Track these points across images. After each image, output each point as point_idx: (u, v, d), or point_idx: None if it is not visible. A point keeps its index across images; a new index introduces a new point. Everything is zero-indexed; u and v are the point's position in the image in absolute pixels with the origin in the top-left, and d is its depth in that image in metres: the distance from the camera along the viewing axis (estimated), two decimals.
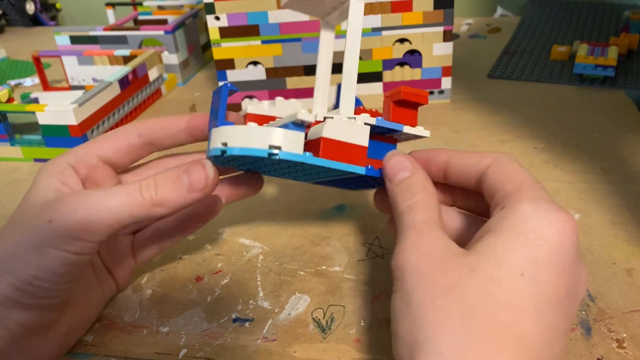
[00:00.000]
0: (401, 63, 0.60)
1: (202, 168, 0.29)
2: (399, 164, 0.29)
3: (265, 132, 0.27)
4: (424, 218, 0.25)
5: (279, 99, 0.35)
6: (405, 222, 0.26)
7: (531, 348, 0.19)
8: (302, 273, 0.38)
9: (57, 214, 0.26)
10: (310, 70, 0.60)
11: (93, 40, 0.74)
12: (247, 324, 0.34)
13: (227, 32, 0.58)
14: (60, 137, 0.54)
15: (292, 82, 0.61)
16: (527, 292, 0.19)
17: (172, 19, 0.81)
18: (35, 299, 0.27)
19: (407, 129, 0.32)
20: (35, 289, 0.27)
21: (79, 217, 0.26)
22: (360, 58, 0.59)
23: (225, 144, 0.28)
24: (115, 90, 0.60)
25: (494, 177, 0.24)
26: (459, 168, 0.27)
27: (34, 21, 1.13)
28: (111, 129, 0.59)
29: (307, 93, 0.61)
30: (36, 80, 0.79)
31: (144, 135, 0.33)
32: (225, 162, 0.31)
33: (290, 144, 0.27)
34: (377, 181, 0.33)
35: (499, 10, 0.98)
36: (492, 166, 0.25)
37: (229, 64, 0.60)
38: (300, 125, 0.29)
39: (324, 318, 0.33)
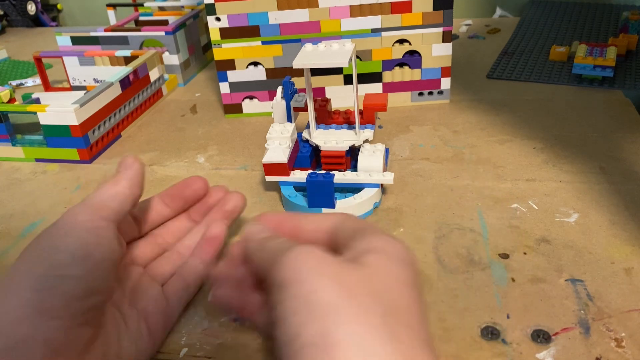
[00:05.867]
0: (401, 64, 0.60)
1: None
2: (256, 228, 0.30)
3: None
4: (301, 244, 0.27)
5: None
6: (283, 248, 0.26)
7: (430, 339, 0.23)
8: None
9: None
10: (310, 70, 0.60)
11: (94, 40, 0.74)
12: (247, 323, 0.34)
13: (227, 33, 0.59)
14: (62, 137, 0.55)
15: None
16: (414, 296, 0.24)
17: (173, 19, 0.81)
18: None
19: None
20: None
21: None
22: (360, 59, 0.59)
23: None
24: (117, 90, 0.60)
25: (345, 228, 0.29)
26: (312, 227, 0.30)
27: (35, 22, 1.13)
28: (112, 129, 0.60)
29: None
30: (37, 80, 0.79)
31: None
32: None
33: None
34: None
35: (498, 11, 0.98)
36: (341, 222, 0.29)
37: (230, 64, 0.60)
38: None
39: None
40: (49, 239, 0.28)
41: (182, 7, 0.84)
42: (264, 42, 0.59)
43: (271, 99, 0.62)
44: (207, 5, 0.57)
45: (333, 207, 0.42)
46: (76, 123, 0.54)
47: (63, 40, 0.76)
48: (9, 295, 0.26)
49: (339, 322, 0.22)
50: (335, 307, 0.22)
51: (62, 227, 0.29)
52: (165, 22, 0.82)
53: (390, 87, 0.61)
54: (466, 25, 0.89)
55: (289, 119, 0.47)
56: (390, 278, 0.24)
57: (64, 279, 0.27)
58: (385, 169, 0.45)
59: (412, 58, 0.60)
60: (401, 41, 0.59)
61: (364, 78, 0.61)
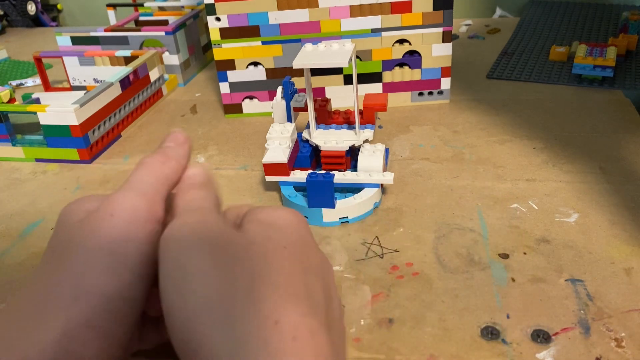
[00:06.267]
0: (401, 64, 0.60)
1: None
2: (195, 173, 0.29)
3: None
4: (210, 203, 0.27)
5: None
6: (191, 203, 0.26)
7: (306, 295, 0.23)
8: None
9: None
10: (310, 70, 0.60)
11: (94, 40, 0.74)
12: None
13: (227, 33, 0.59)
14: (62, 137, 0.55)
15: None
16: (291, 258, 0.24)
17: (173, 19, 0.81)
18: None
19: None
20: None
21: None
22: (360, 59, 0.59)
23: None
24: (117, 90, 0.60)
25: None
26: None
27: (35, 22, 1.13)
28: (112, 129, 0.60)
29: None
30: (37, 80, 0.79)
31: None
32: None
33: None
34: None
35: (498, 11, 0.98)
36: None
37: (230, 64, 0.60)
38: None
39: None
40: (111, 242, 0.23)
41: (182, 7, 0.84)
42: (264, 42, 0.59)
43: (271, 99, 0.62)
44: (207, 5, 0.57)
45: (333, 207, 0.42)
46: (76, 123, 0.54)
47: (63, 40, 0.76)
48: (75, 305, 0.22)
49: (206, 299, 0.22)
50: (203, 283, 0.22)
51: (121, 225, 0.24)
52: (165, 22, 0.82)
53: (390, 87, 0.61)
54: (466, 25, 0.89)
55: (289, 119, 0.48)
56: (270, 243, 0.24)
57: (130, 302, 0.23)
58: (385, 169, 0.45)
59: (412, 58, 0.60)
60: (401, 41, 0.59)
61: (364, 78, 0.61)
